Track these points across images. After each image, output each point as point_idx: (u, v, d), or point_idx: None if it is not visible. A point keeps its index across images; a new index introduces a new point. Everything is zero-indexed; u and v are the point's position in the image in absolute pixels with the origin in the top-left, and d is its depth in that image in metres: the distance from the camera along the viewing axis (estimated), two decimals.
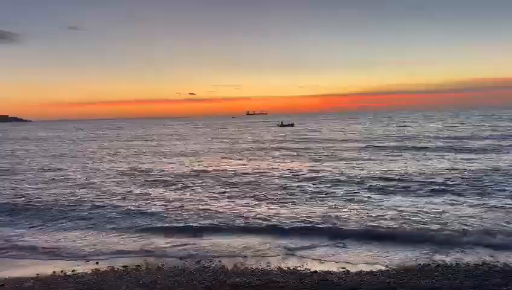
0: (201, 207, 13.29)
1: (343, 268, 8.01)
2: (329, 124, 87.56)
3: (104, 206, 13.80)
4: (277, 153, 29.99)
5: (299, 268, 8.08)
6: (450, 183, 15.78)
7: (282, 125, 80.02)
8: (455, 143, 31.87)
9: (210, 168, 22.52)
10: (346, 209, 12.27)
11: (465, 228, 10.18)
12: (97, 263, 8.77)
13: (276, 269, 8.05)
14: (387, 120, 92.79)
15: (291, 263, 8.41)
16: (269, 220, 11.42)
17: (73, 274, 8.09)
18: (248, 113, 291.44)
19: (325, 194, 14.58)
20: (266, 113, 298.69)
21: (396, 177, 17.49)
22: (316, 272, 7.81)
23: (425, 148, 29.31)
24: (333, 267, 8.07)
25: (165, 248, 9.74)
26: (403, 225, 10.57)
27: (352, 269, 7.94)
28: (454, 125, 60.45)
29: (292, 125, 78.98)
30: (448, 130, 49.62)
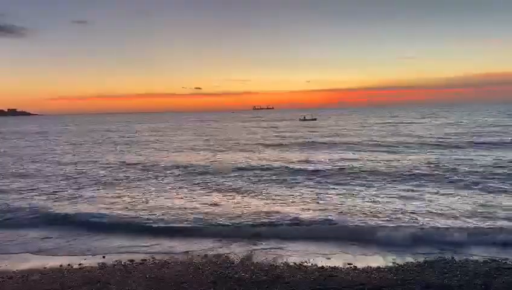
0: None
1: (350, 264, 7.97)
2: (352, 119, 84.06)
3: None
4: None
5: (305, 264, 8.06)
6: None
7: (304, 119, 79.63)
8: None
9: None
10: None
11: None
12: (103, 257, 8.82)
13: (282, 265, 8.04)
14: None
15: (298, 259, 8.38)
16: None
17: (80, 268, 8.16)
18: (255, 108, 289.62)
19: None
20: (273, 108, 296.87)
21: None
22: (322, 267, 7.79)
23: None
24: (340, 264, 8.03)
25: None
26: None
27: (359, 265, 7.90)
28: None
29: (314, 120, 78.45)
30: None
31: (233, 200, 13.56)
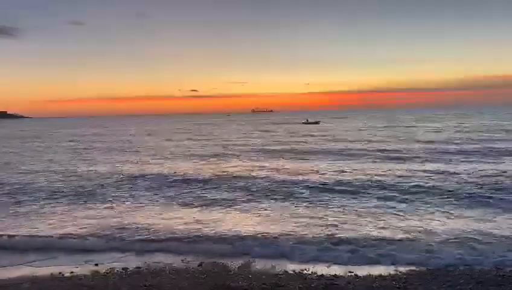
0: None
1: (351, 272, 7.90)
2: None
3: None
4: None
5: (305, 272, 7.99)
6: None
7: (307, 123, 79.20)
8: None
9: None
10: None
11: None
12: (96, 264, 8.71)
13: (281, 273, 7.96)
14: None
15: (298, 267, 8.32)
16: None
17: (72, 276, 8.05)
18: (253, 111, 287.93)
19: None
20: (272, 111, 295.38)
21: None
22: (322, 275, 7.73)
23: None
24: (340, 271, 7.97)
25: None
26: None
27: (361, 273, 7.83)
28: None
29: (317, 123, 78.15)
30: None
31: (222, 215, 12.51)
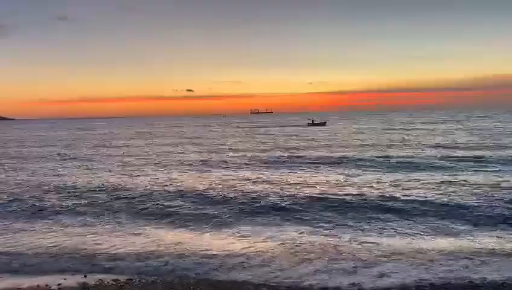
0: None
1: (354, 286, 7.65)
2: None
3: None
4: None
5: (305, 283, 7.76)
6: None
7: (312, 124, 74.84)
8: None
9: None
10: None
11: None
12: (85, 276, 8.40)
13: (282, 287, 7.70)
14: None
15: (297, 280, 8.01)
16: None
17: (59, 289, 7.75)
18: (252, 112, 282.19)
19: None
20: (271, 112, 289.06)
21: None
22: (326, 288, 7.49)
23: None
24: (344, 285, 7.71)
25: None
26: None
27: (365, 286, 7.59)
28: None
29: (324, 124, 74.77)
30: None
31: (210, 232, 11.41)
